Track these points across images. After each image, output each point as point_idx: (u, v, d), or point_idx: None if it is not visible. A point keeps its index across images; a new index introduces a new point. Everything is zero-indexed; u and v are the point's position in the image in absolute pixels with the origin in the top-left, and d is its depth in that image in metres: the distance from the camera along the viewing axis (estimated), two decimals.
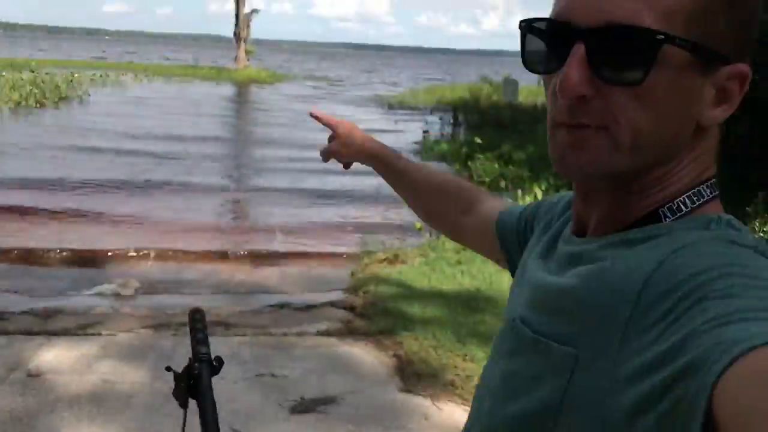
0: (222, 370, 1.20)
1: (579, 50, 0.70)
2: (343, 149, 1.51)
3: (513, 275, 1.02)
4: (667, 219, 0.75)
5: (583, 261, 0.77)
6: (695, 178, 0.77)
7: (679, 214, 0.75)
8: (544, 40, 0.77)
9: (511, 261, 1.09)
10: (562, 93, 0.71)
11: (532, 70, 0.80)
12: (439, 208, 1.34)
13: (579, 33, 0.71)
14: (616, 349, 0.65)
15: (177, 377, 1.17)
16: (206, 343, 1.20)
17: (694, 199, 0.76)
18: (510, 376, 0.80)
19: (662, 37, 0.68)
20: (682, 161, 0.76)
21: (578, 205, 0.84)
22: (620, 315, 0.66)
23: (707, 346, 0.54)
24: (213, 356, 1.20)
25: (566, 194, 0.99)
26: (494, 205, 1.21)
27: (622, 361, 0.64)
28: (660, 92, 0.70)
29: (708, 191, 0.77)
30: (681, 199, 0.76)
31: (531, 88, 26.20)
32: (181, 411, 1.18)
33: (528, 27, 0.79)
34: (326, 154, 1.56)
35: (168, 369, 1.19)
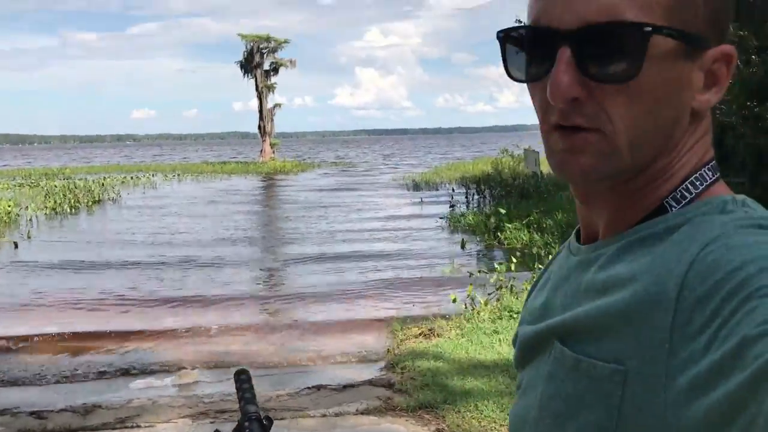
0: None
1: (565, 53, 0.69)
2: None
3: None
4: (673, 209, 0.73)
5: (605, 269, 0.74)
6: (697, 163, 0.75)
7: (684, 202, 0.73)
8: (525, 49, 0.75)
9: None
10: (554, 98, 0.69)
11: (516, 80, 0.77)
12: None
13: (562, 36, 0.69)
14: (665, 360, 0.62)
15: None
16: (254, 402, 1.18)
17: (697, 183, 0.74)
18: (551, 401, 0.75)
19: (650, 29, 0.67)
20: (682, 149, 0.74)
21: (581, 210, 0.81)
22: (662, 324, 0.63)
23: None
24: (263, 415, 1.17)
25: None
26: None
27: (676, 371, 0.61)
28: (652, 84, 0.69)
29: (710, 173, 0.75)
30: (684, 186, 0.74)
31: None
32: None
33: (506, 37, 0.77)
34: None
35: None
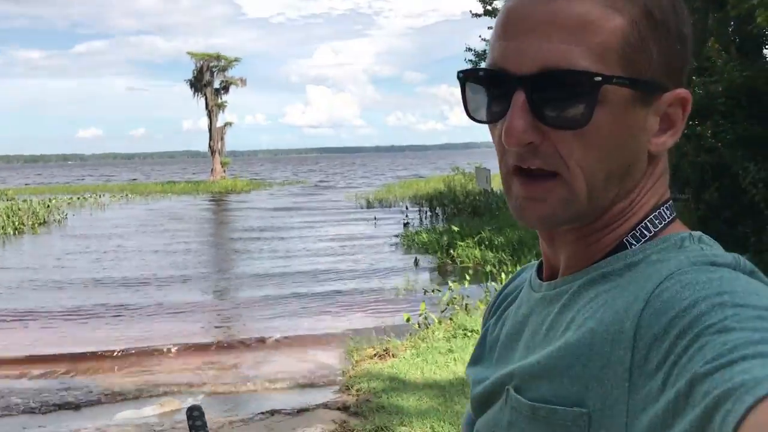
0: None
1: (519, 98, 0.69)
2: None
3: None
4: (633, 246, 0.74)
5: (568, 308, 0.74)
6: (654, 205, 0.76)
7: (643, 240, 0.74)
8: (484, 90, 0.76)
9: None
10: (508, 142, 0.70)
11: (475, 120, 0.78)
12: None
13: (517, 81, 0.70)
14: (626, 399, 0.62)
15: None
16: None
17: (656, 222, 0.75)
18: None
19: (600, 78, 0.68)
20: (641, 191, 0.75)
21: (545, 249, 0.82)
22: (622, 363, 0.63)
23: (716, 395, 0.51)
24: None
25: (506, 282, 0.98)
26: None
27: (637, 410, 0.61)
28: (605, 130, 0.70)
29: (668, 212, 0.77)
30: (643, 224, 0.75)
31: None
32: None
33: (466, 78, 0.77)
34: None
35: None
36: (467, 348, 6.81)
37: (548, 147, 0.70)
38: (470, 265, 12.86)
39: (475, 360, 0.93)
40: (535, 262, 0.91)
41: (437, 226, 17.84)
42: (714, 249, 0.71)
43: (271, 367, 7.23)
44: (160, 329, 8.80)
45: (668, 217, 0.76)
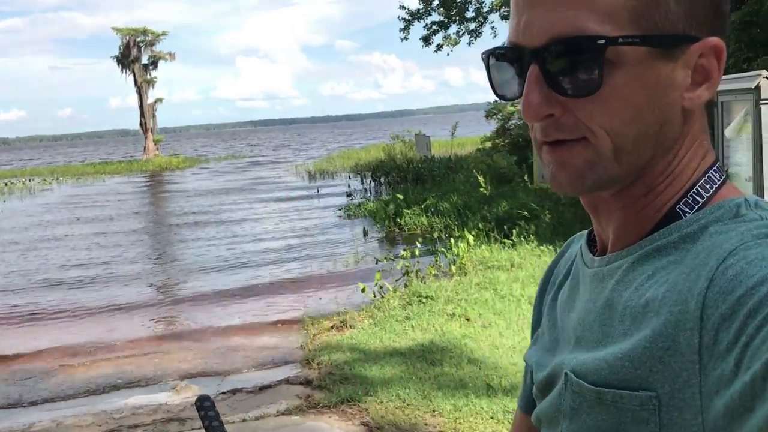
0: None
1: (533, 72, 0.69)
2: None
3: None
4: (687, 215, 0.72)
5: (623, 285, 0.72)
6: (698, 165, 0.74)
7: (696, 207, 0.72)
8: (506, 68, 0.76)
9: None
10: (527, 117, 0.70)
11: (502, 98, 0.78)
12: None
13: (530, 54, 0.70)
14: (698, 382, 0.61)
15: None
16: (224, 431, 1.10)
17: (707, 187, 0.73)
18: None
19: (603, 41, 0.66)
20: (679, 151, 0.73)
21: (594, 224, 0.81)
22: (690, 344, 0.62)
23: None
24: None
25: (565, 245, 0.97)
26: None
27: (711, 392, 0.60)
28: (625, 92, 0.68)
29: (717, 175, 0.74)
30: (695, 190, 0.73)
31: (441, 141, 26.90)
32: None
33: (489, 57, 0.77)
34: None
35: None
36: (424, 314, 6.88)
37: (569, 118, 0.70)
38: (418, 232, 12.95)
39: (534, 342, 0.92)
40: (583, 233, 0.90)
41: (382, 196, 17.86)
42: None
43: (227, 350, 7.15)
44: (104, 325, 8.48)
45: (719, 180, 0.74)
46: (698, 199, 0.73)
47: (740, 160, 5.64)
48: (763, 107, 4.92)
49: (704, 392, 0.60)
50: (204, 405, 1.16)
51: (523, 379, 0.99)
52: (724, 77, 5.55)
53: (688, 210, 0.73)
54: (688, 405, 0.62)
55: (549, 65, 0.69)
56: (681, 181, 0.74)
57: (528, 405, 0.97)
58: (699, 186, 0.73)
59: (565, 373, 0.75)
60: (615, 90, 0.68)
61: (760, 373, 0.53)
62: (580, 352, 0.76)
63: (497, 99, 0.79)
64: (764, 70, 5.04)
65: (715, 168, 0.75)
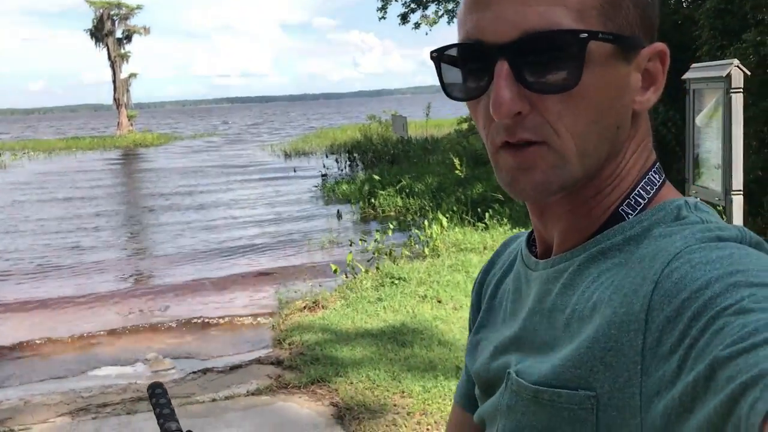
0: None
1: (503, 68, 0.67)
2: None
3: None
4: (630, 216, 0.73)
5: (570, 288, 0.73)
6: (642, 167, 0.75)
7: (639, 208, 0.73)
8: (461, 66, 0.73)
9: None
10: (497, 114, 0.68)
11: (455, 99, 0.76)
12: None
13: (498, 50, 0.67)
14: (639, 381, 0.61)
15: None
16: (175, 418, 1.09)
17: (648, 188, 0.75)
18: None
19: (586, 35, 0.66)
20: (626, 153, 0.74)
21: (537, 225, 0.80)
22: (633, 345, 0.62)
23: (742, 381, 0.50)
24: (185, 431, 1.09)
25: (498, 249, 0.96)
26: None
27: (651, 393, 0.60)
28: (593, 91, 0.68)
29: (657, 176, 0.76)
30: (636, 191, 0.74)
31: (418, 122, 26.88)
32: None
33: (440, 56, 0.75)
34: None
35: None
36: (395, 296, 6.90)
37: (536, 116, 0.68)
38: (392, 213, 12.97)
39: (475, 345, 0.91)
40: (522, 234, 0.90)
41: (357, 176, 17.81)
42: (714, 218, 0.70)
43: (200, 331, 7.13)
44: (75, 311, 8.33)
45: (658, 181, 0.76)
46: (640, 200, 0.74)
47: (710, 147, 5.70)
48: (734, 95, 4.97)
49: (644, 393, 0.61)
50: (156, 392, 1.16)
51: (462, 373, 1.00)
52: (697, 65, 5.59)
53: (630, 211, 0.73)
54: (628, 405, 0.62)
55: (521, 61, 0.67)
56: (627, 183, 0.74)
57: (463, 400, 0.98)
58: (640, 188, 0.74)
59: (508, 373, 0.76)
60: (584, 89, 0.68)
61: (703, 374, 0.54)
62: (525, 354, 0.76)
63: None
64: (736, 59, 5.09)
65: (654, 169, 0.76)
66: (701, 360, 0.55)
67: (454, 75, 0.74)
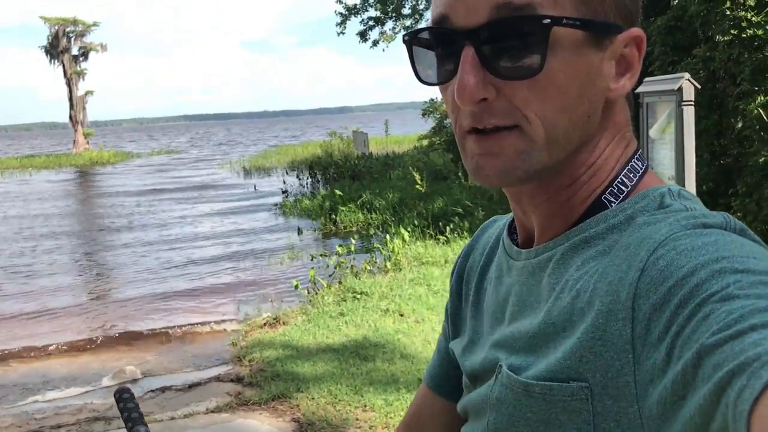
0: None
1: (468, 53, 0.66)
2: None
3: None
4: (612, 204, 0.72)
5: (555, 278, 0.72)
6: (621, 154, 0.75)
7: (621, 196, 0.72)
8: (432, 50, 0.72)
9: None
10: (461, 100, 0.67)
11: (426, 83, 0.75)
12: None
13: (464, 34, 0.67)
14: (632, 370, 0.61)
15: None
16: (143, 422, 1.06)
17: (630, 176, 0.74)
18: (509, 429, 0.72)
19: (548, 20, 0.65)
20: (600, 141, 0.73)
21: (517, 212, 0.80)
22: (622, 334, 0.62)
23: (729, 368, 0.49)
24: None
25: (475, 235, 0.95)
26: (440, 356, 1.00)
27: (645, 382, 0.60)
28: (560, 77, 0.67)
29: (639, 164, 0.75)
30: (619, 179, 0.73)
31: (378, 138, 26.99)
32: None
33: (412, 40, 0.74)
34: None
35: None
36: (358, 310, 6.87)
37: (503, 102, 0.68)
38: (354, 229, 12.94)
39: (456, 333, 0.90)
40: (500, 218, 0.89)
41: (319, 192, 17.76)
42: (698, 206, 0.70)
43: (159, 350, 6.98)
44: (30, 330, 8.15)
45: (641, 169, 0.75)
46: (623, 188, 0.73)
47: (663, 159, 5.83)
48: (685, 108, 5.09)
49: (639, 381, 0.60)
50: (123, 397, 1.13)
51: (434, 355, 0.98)
52: (649, 79, 5.72)
53: (613, 200, 0.73)
54: (623, 394, 0.62)
55: (486, 45, 0.67)
56: (605, 171, 0.74)
57: (434, 382, 0.97)
58: (623, 175, 0.74)
59: (499, 366, 0.75)
60: (551, 75, 0.67)
61: (691, 362, 0.54)
62: (515, 347, 0.75)
63: (428, 88, 0.75)
64: (686, 73, 5.22)
65: (636, 156, 0.76)
66: (688, 348, 0.55)
67: (427, 59, 0.74)
